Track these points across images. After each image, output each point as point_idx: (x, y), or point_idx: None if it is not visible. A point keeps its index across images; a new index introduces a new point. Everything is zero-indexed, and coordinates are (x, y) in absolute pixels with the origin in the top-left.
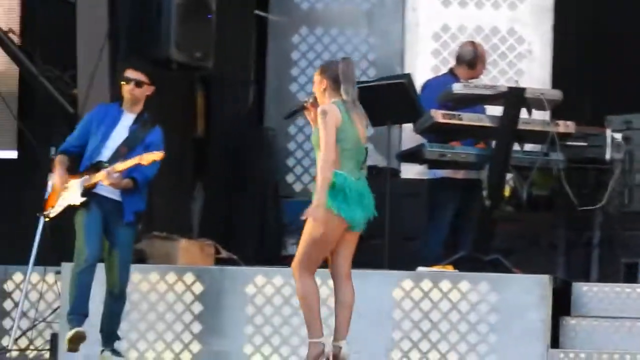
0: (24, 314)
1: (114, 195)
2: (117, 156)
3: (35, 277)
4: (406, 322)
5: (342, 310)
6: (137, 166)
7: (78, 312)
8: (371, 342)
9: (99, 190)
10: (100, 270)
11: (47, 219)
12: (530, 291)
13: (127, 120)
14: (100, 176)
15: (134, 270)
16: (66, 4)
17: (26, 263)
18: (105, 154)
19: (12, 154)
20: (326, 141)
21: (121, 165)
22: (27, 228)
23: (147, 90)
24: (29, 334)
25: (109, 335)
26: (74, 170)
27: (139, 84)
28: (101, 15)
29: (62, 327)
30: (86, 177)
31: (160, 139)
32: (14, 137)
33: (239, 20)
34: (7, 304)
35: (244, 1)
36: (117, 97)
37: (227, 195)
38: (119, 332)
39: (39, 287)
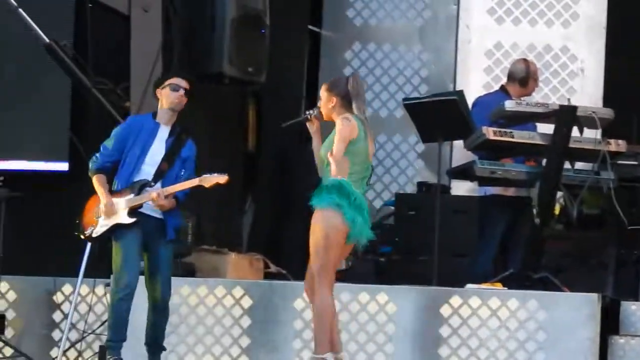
0: (73, 326)
1: (156, 213)
2: (159, 174)
3: (84, 289)
4: (454, 339)
5: (334, 323)
6: (174, 181)
7: (117, 340)
8: (419, 359)
9: (141, 209)
10: (142, 282)
11: (87, 239)
12: (578, 309)
13: (163, 133)
14: (148, 197)
15: (183, 283)
16: (120, 17)
17: (76, 275)
18: (146, 170)
19: (64, 166)
20: (339, 149)
21: (173, 188)
22: (77, 240)
23: (186, 102)
24: (77, 345)
25: (155, 347)
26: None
27: (187, 92)
28: (155, 28)
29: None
30: (131, 196)
31: (194, 154)
32: (66, 149)
33: (292, 35)
34: (57, 316)
35: (298, 16)
36: None
37: (276, 209)
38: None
39: (88, 299)
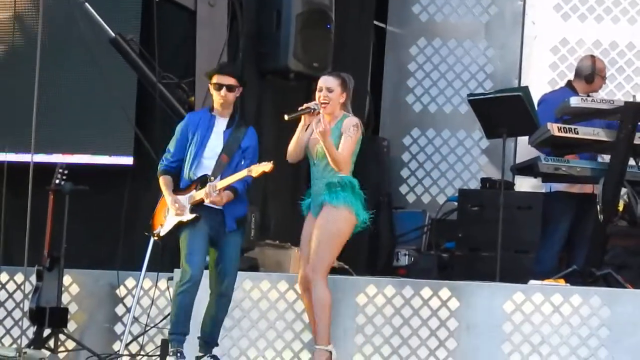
0: (135, 320)
1: (217, 205)
2: (219, 167)
3: (147, 283)
4: (517, 335)
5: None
6: (234, 170)
7: (179, 332)
8: (481, 355)
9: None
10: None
11: (157, 238)
12: None
13: (220, 125)
14: (201, 194)
15: (245, 278)
16: (187, 11)
17: (139, 269)
18: (206, 164)
19: (129, 160)
20: (351, 148)
21: (223, 182)
22: (143, 234)
23: (238, 92)
24: (140, 339)
25: (210, 341)
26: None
27: (230, 88)
28: (220, 23)
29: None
30: (193, 192)
31: (256, 141)
32: (131, 143)
33: (358, 30)
34: (119, 309)
35: (363, 12)
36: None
37: None
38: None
39: (151, 293)
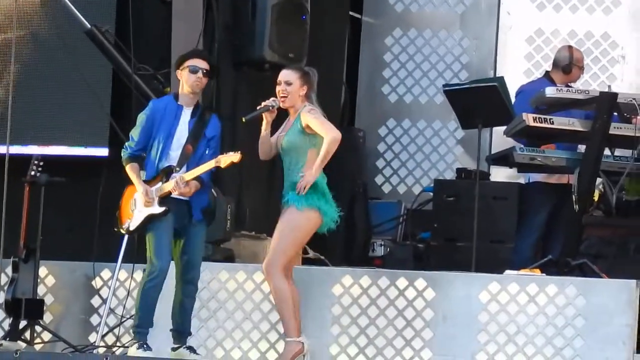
0: (111, 311)
1: (183, 196)
2: (184, 157)
3: (123, 275)
4: (492, 325)
5: (297, 309)
6: (198, 161)
7: (144, 326)
8: (457, 345)
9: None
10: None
11: (126, 233)
12: (617, 296)
13: (186, 115)
14: (170, 185)
15: (221, 269)
16: (162, 2)
17: (115, 260)
18: (173, 155)
19: (104, 152)
20: (326, 122)
21: (190, 174)
22: (116, 233)
23: (207, 80)
24: (115, 330)
25: (183, 331)
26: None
27: (206, 73)
28: (196, 14)
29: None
30: (159, 184)
31: (220, 130)
32: (106, 134)
33: (333, 21)
34: (95, 301)
35: (339, 2)
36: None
37: None
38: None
39: (127, 284)
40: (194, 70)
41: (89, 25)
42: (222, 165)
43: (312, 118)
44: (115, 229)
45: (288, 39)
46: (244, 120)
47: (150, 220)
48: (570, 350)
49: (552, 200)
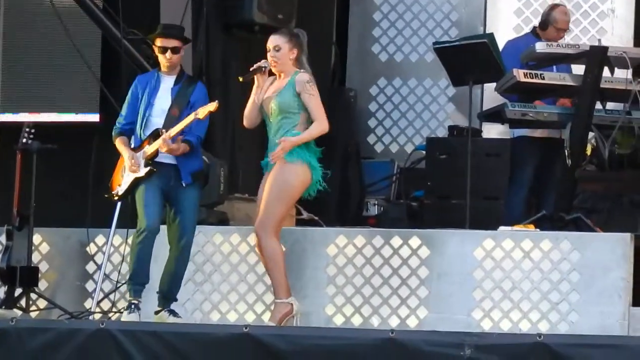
0: (106, 277)
1: (170, 160)
2: (170, 120)
3: (117, 240)
4: (488, 281)
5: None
6: (191, 127)
7: (138, 282)
8: (452, 302)
9: (157, 159)
10: (162, 232)
11: (116, 198)
12: (612, 250)
13: (167, 82)
14: (157, 144)
15: (215, 232)
16: None
17: (108, 226)
18: (155, 122)
19: (95, 118)
20: (320, 104)
21: (175, 129)
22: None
23: (182, 51)
24: (111, 296)
25: (169, 296)
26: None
27: (175, 50)
28: None
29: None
30: (146, 147)
31: (205, 94)
32: (97, 100)
33: None
34: (90, 267)
35: None
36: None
37: None
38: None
39: (121, 250)
40: (162, 51)
41: None
42: (201, 117)
43: (309, 94)
44: (106, 195)
45: (277, 0)
46: (240, 80)
47: (136, 183)
48: (566, 304)
49: (537, 154)
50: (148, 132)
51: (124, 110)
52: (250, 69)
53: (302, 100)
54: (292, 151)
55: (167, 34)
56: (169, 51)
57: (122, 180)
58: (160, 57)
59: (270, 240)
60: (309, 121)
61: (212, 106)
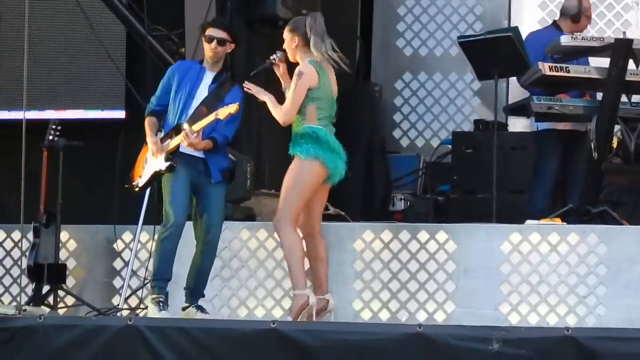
0: (134, 273)
1: (198, 153)
2: (196, 117)
3: (144, 236)
4: (515, 275)
5: (322, 266)
6: (216, 125)
7: (161, 278)
8: (479, 297)
9: (184, 150)
10: (188, 227)
11: (136, 189)
12: (638, 242)
13: (208, 79)
14: (179, 139)
15: (242, 227)
16: None
17: (135, 223)
18: (190, 113)
19: (121, 114)
20: (293, 99)
21: (198, 125)
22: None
23: (229, 48)
24: (139, 292)
25: (196, 292)
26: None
27: (221, 42)
28: None
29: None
30: (168, 141)
31: (240, 98)
32: (122, 96)
33: None
34: (117, 263)
35: None
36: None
37: None
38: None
39: (149, 246)
40: (209, 40)
41: None
42: (221, 117)
43: (292, 84)
44: (127, 186)
45: None
46: (251, 75)
47: (155, 177)
48: (594, 298)
49: (562, 147)
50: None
51: (158, 92)
52: (260, 67)
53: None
54: (302, 147)
55: (215, 24)
56: (214, 41)
57: (143, 172)
58: (206, 47)
59: (286, 231)
60: (321, 112)
61: (233, 108)
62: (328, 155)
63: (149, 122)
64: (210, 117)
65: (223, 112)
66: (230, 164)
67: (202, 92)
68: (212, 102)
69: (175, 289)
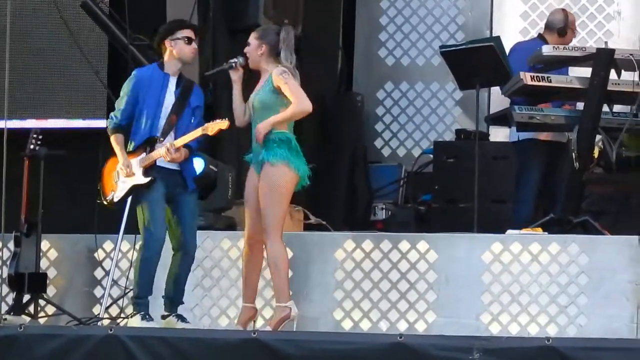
0: (114, 283)
1: (173, 165)
2: (168, 127)
3: (125, 246)
4: (496, 285)
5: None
6: (186, 130)
7: (144, 296)
8: (461, 306)
9: (160, 163)
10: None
11: (109, 205)
12: (620, 252)
13: (172, 84)
14: (158, 154)
15: (223, 237)
16: None
17: (116, 232)
18: (162, 123)
19: (102, 123)
20: (297, 89)
21: (181, 141)
22: (101, 206)
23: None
24: (119, 302)
25: (175, 300)
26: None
27: (195, 42)
28: None
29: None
30: (143, 155)
31: (203, 99)
32: (104, 106)
33: None
34: (98, 273)
35: None
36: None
37: (315, 160)
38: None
39: (129, 256)
40: (189, 42)
41: None
42: (210, 133)
43: (283, 83)
44: (99, 201)
45: (283, 5)
46: (205, 75)
47: (134, 191)
48: (575, 308)
49: (544, 157)
50: (156, 133)
51: (121, 104)
52: (218, 69)
53: (283, 91)
54: (274, 152)
55: (193, 27)
56: (194, 42)
57: (117, 186)
58: (187, 49)
59: (275, 244)
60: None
61: (224, 124)
62: (295, 160)
63: (116, 140)
64: (197, 133)
65: (212, 128)
66: (202, 170)
67: (169, 98)
68: (180, 108)
69: (152, 298)
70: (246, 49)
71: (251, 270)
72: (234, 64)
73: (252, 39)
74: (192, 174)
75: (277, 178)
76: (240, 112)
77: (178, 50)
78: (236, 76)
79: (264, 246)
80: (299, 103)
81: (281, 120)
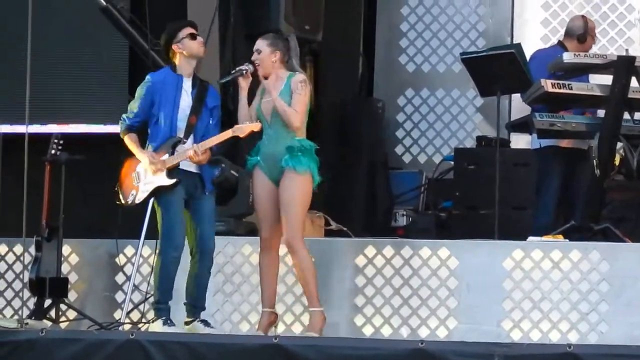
0: (135, 287)
1: (193, 168)
2: (190, 128)
3: (146, 251)
4: (517, 292)
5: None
6: (209, 131)
7: (165, 301)
8: (482, 313)
9: (182, 165)
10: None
11: (129, 205)
12: None
13: (187, 85)
14: (184, 155)
15: (245, 242)
16: None
17: (138, 237)
18: (179, 126)
19: None
20: (303, 108)
21: (209, 143)
22: (120, 207)
23: None
24: (141, 307)
25: (196, 306)
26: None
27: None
28: None
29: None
30: (166, 156)
31: (219, 99)
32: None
33: None
34: (119, 278)
35: None
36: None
37: (336, 167)
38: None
39: (151, 260)
40: (194, 37)
41: (104, 3)
42: (241, 135)
43: (298, 95)
44: (118, 203)
45: (303, 11)
46: (218, 82)
47: (157, 192)
48: (596, 315)
49: (565, 164)
50: (174, 134)
51: (135, 107)
52: (232, 72)
53: (292, 96)
54: (300, 160)
55: (193, 24)
56: (198, 36)
57: (139, 188)
58: (194, 44)
59: (303, 251)
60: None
61: (256, 127)
62: (316, 172)
63: (131, 139)
64: (227, 134)
65: (243, 130)
66: (221, 172)
67: (185, 99)
68: (198, 108)
69: (173, 303)
70: (257, 56)
71: (268, 275)
72: (244, 71)
73: (264, 45)
74: (210, 175)
75: (303, 186)
76: (246, 117)
77: (187, 49)
78: (245, 83)
79: (278, 250)
80: (296, 117)
81: (278, 105)
